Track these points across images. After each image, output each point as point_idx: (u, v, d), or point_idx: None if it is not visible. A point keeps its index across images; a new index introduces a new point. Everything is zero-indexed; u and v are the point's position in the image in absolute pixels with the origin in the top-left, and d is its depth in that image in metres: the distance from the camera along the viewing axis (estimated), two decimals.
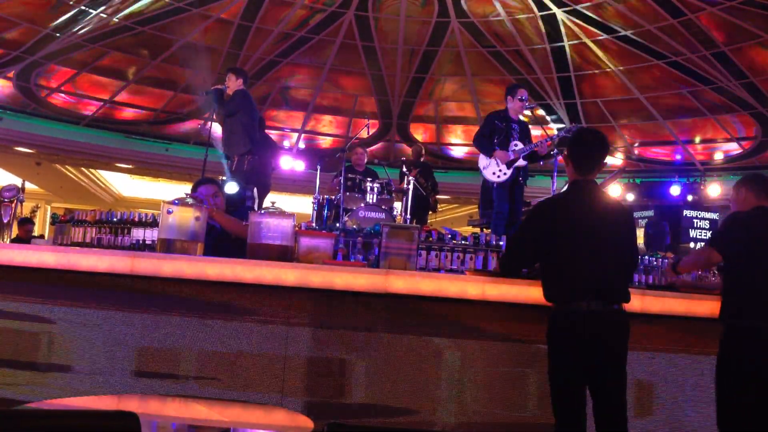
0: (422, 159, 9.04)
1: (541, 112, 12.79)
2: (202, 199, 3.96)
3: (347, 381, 3.33)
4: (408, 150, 13.68)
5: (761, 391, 3.01)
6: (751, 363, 3.03)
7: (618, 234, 2.96)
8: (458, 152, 14.47)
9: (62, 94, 12.88)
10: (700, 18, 10.70)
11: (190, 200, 3.58)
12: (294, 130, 14.26)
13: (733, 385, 3.05)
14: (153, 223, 5.26)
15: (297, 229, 3.65)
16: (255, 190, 5.96)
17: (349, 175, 7.10)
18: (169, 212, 3.41)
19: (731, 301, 3.19)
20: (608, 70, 12.39)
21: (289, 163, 12.22)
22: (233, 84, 6.33)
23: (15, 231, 6.79)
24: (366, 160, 8.04)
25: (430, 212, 8.67)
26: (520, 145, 6.00)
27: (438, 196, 8.84)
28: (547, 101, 12.99)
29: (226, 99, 6.33)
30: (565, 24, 11.86)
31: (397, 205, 7.36)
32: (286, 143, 13.89)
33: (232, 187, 5.82)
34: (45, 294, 3.36)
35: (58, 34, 11.43)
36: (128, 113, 13.51)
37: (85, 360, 3.32)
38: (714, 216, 11.31)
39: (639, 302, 3.28)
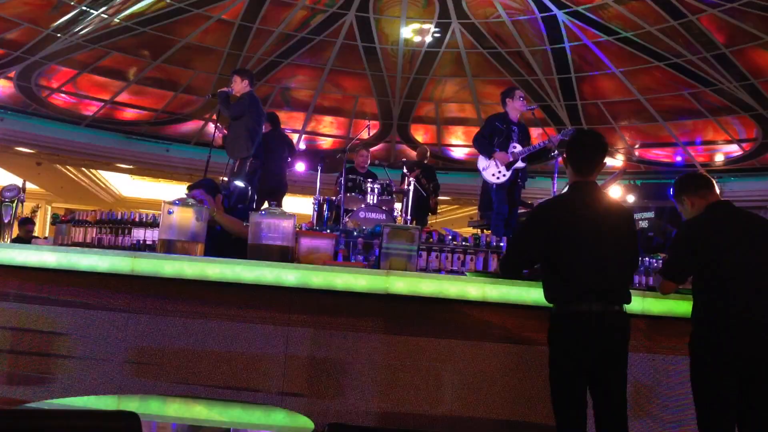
0: (426, 161, 9.05)
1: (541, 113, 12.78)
2: (202, 199, 3.96)
3: (348, 381, 3.33)
4: (409, 151, 13.70)
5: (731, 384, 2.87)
6: (719, 360, 2.88)
7: (619, 235, 2.95)
8: (459, 153, 14.48)
9: (63, 95, 12.88)
10: (700, 20, 10.71)
11: (190, 200, 3.58)
12: (295, 131, 14.26)
13: (705, 386, 2.92)
14: (153, 224, 5.26)
15: (297, 229, 3.66)
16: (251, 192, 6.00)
17: (350, 176, 7.10)
18: (169, 212, 3.41)
19: (696, 303, 3.08)
20: (609, 71, 12.40)
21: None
22: (239, 86, 6.22)
23: (15, 231, 6.80)
24: (369, 163, 8.04)
25: (430, 214, 8.67)
26: (519, 147, 6.01)
27: (438, 198, 8.84)
28: (548, 102, 12.99)
29: (232, 101, 6.26)
30: (565, 25, 11.87)
31: (398, 206, 7.36)
32: None
33: (240, 182, 5.90)
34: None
35: (59, 35, 11.44)
36: (129, 114, 13.52)
37: (85, 359, 3.32)
38: None
39: (640, 303, 3.28)
